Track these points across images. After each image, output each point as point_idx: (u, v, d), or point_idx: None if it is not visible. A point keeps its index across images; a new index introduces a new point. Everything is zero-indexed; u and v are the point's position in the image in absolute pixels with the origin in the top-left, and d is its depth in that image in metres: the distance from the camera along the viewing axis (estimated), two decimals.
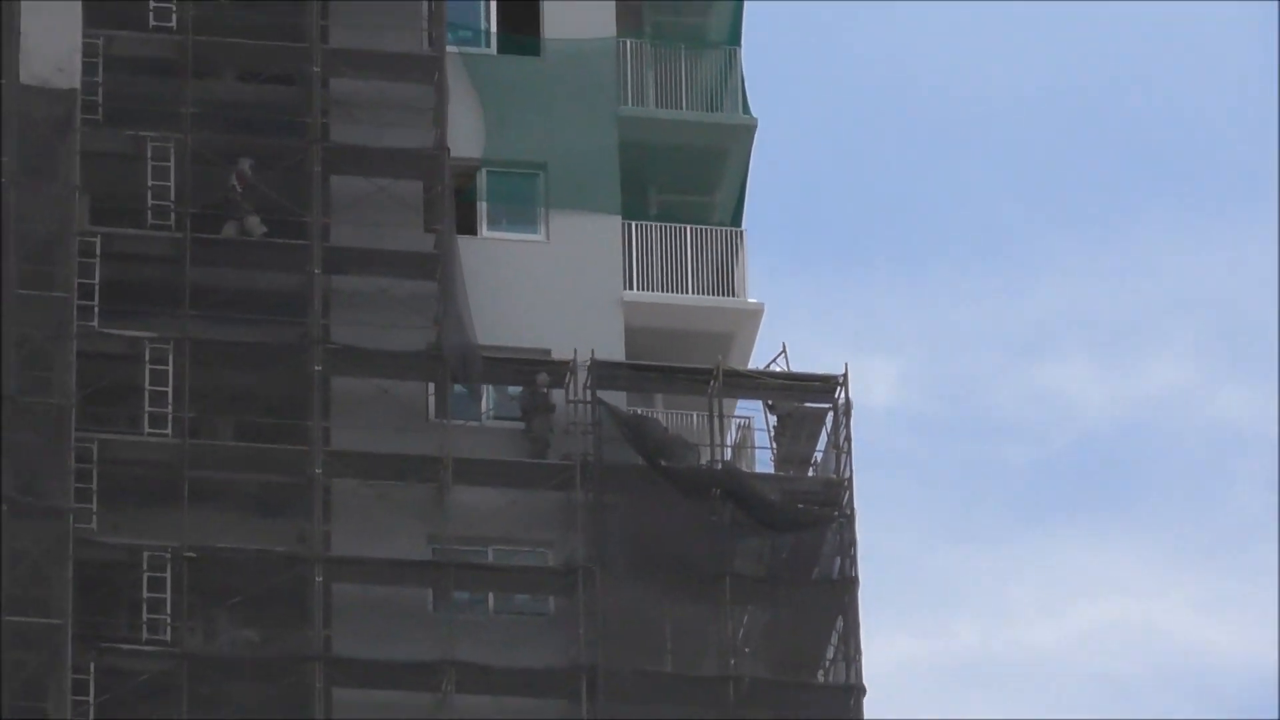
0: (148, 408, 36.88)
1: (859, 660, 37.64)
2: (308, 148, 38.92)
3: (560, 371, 38.60)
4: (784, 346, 40.98)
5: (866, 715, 37.74)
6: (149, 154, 38.11)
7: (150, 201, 38.19)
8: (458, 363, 37.86)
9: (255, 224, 40.11)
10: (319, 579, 36.25)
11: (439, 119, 39.47)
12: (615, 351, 39.31)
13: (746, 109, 42.84)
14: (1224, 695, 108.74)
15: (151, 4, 39.34)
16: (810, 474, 40.46)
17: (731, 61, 43.57)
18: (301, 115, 39.86)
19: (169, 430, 36.64)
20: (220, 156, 38.95)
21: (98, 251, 36.84)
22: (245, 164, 39.93)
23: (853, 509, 39.01)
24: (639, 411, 39.79)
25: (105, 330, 36.82)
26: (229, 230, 40.22)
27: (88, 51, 38.31)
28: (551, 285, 40.97)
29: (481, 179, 40.99)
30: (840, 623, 38.19)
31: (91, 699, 34.36)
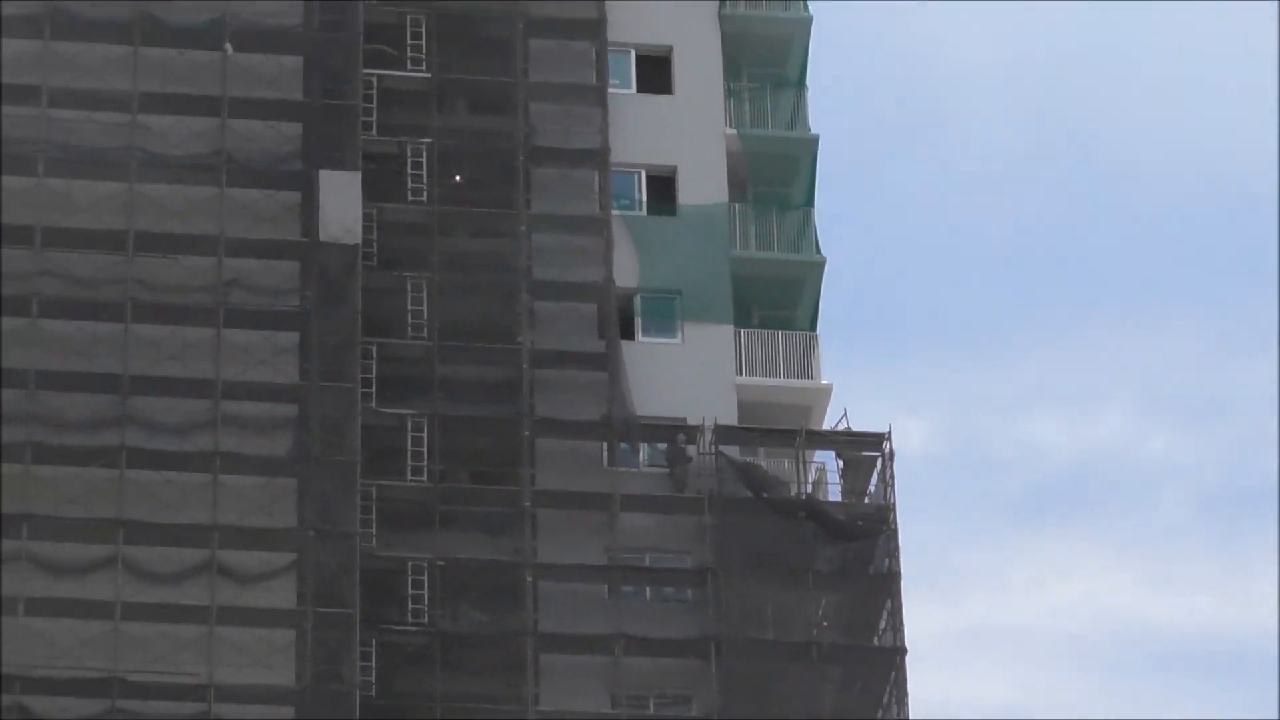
0: (409, 462, 49.44)
1: (902, 630, 48.67)
2: (517, 281, 51.59)
3: (693, 433, 49.81)
4: (845, 412, 53.44)
5: (908, 670, 49.30)
6: (408, 289, 51.64)
7: (409, 321, 51.47)
8: (623, 428, 50.52)
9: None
10: (530, 579, 47.98)
11: (607, 260, 51.93)
12: (730, 418, 50.82)
13: (818, 250, 55.72)
14: (1163, 650, 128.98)
15: (409, 184, 52.79)
16: (866, 501, 52.70)
17: (807, 218, 56.50)
18: (512, 260, 52.43)
19: (424, 478, 49.19)
20: (457, 290, 52.18)
21: (374, 355, 49.80)
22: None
23: (896, 524, 50.76)
24: (748, 460, 51.58)
25: (380, 409, 49.62)
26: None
27: (365, 218, 50.66)
28: (686, 373, 53.03)
29: (637, 301, 53.94)
30: (888, 604, 49.60)
31: (373, 665, 46.20)
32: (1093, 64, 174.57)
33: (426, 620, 47.81)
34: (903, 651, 48.79)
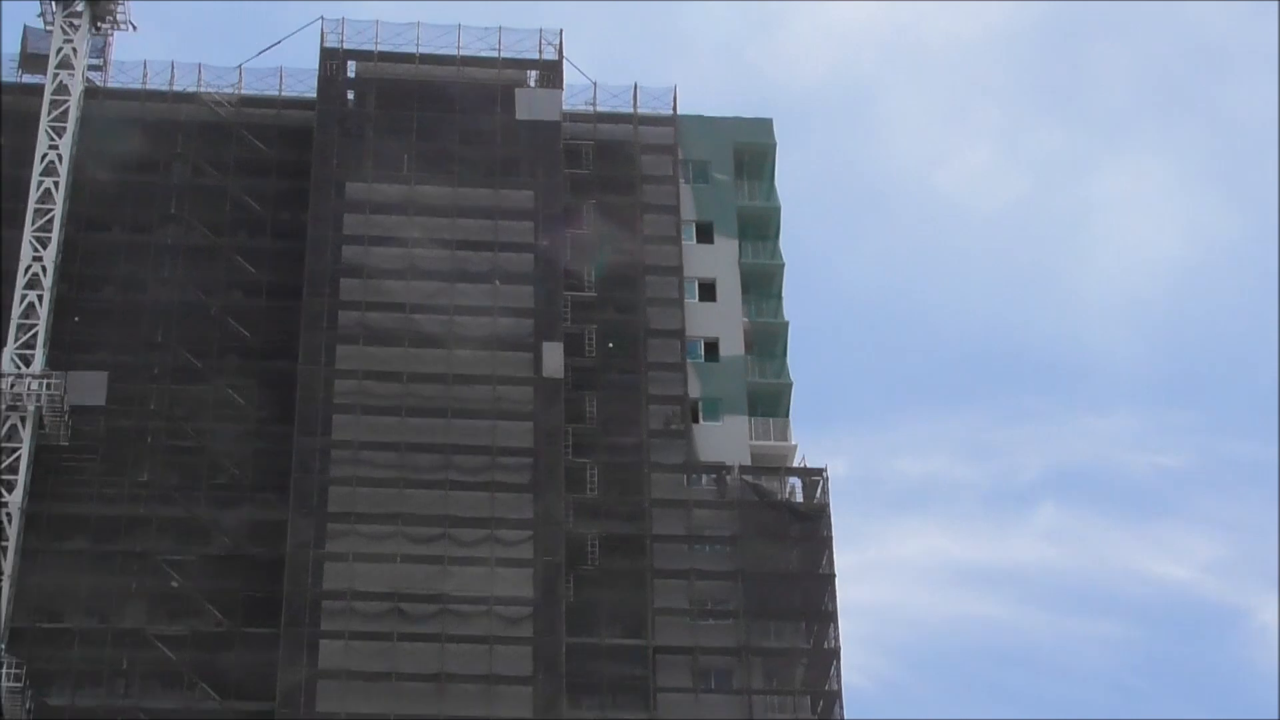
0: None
1: (832, 555, 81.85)
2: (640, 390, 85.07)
3: (730, 469, 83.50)
4: (804, 458, 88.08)
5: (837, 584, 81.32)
6: (586, 401, 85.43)
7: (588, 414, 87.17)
8: (694, 467, 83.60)
9: None
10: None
11: (684, 383, 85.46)
12: (747, 461, 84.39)
13: (789, 376, 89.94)
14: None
15: (585, 349, 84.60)
16: (815, 502, 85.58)
17: (783, 361, 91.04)
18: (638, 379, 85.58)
19: None
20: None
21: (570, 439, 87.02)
22: None
23: (830, 514, 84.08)
24: (757, 482, 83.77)
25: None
26: None
27: (565, 367, 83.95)
28: (725, 440, 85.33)
29: (700, 404, 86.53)
30: (827, 547, 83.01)
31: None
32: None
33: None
34: (832, 578, 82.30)
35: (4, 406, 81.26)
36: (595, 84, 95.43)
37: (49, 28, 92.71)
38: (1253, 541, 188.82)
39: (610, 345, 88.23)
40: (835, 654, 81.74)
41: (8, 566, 77.86)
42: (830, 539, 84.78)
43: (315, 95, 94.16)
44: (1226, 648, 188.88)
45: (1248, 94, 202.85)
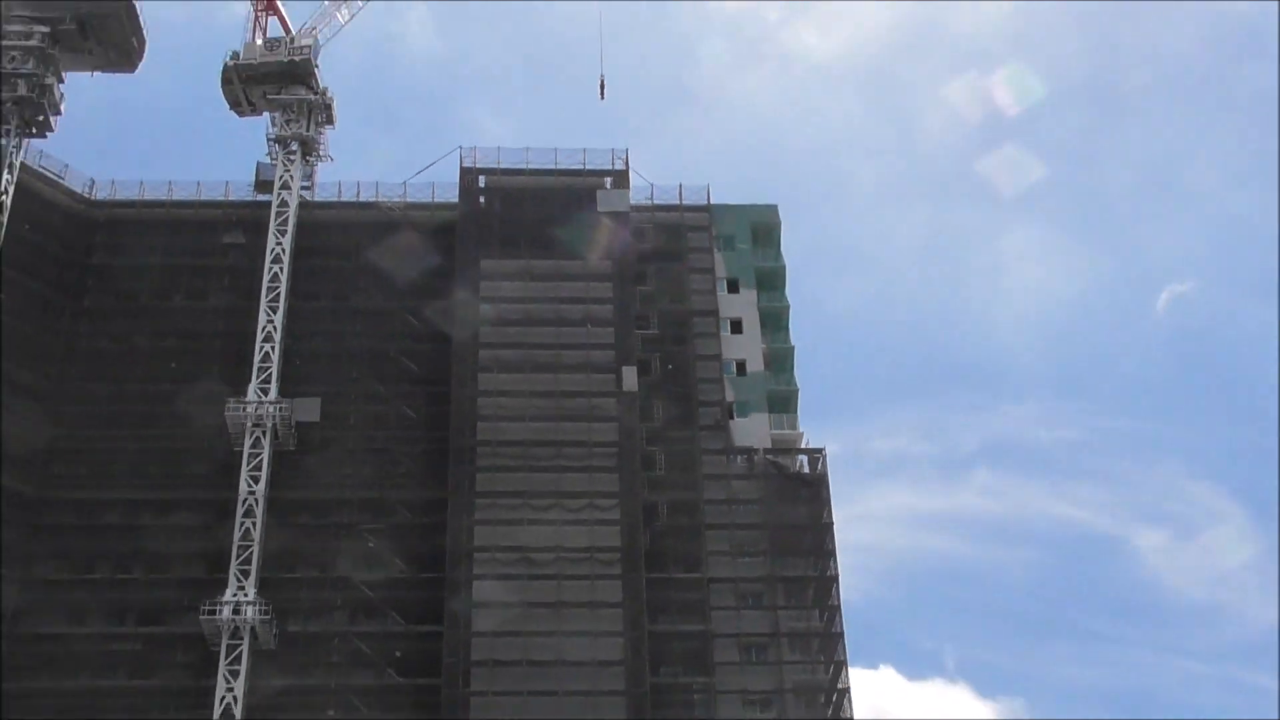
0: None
1: (832, 509, 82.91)
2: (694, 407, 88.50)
3: (758, 451, 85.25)
4: (806, 440, 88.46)
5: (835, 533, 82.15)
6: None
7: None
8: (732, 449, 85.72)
9: None
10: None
11: (723, 391, 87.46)
12: (767, 444, 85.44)
13: (796, 383, 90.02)
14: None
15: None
16: (817, 471, 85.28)
17: (792, 372, 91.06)
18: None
19: None
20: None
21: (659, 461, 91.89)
22: None
23: (829, 482, 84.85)
24: (777, 459, 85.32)
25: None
26: None
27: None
28: (754, 430, 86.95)
29: (734, 405, 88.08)
30: (827, 505, 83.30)
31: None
32: None
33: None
34: (831, 526, 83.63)
35: (251, 424, 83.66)
36: (652, 185, 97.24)
37: (273, 162, 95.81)
38: (1127, 490, 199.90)
39: (670, 367, 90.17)
40: (834, 579, 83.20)
41: (257, 535, 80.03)
42: (829, 499, 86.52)
43: (457, 199, 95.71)
44: (1110, 565, 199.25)
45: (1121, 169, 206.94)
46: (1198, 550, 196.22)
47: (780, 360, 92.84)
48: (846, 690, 79.39)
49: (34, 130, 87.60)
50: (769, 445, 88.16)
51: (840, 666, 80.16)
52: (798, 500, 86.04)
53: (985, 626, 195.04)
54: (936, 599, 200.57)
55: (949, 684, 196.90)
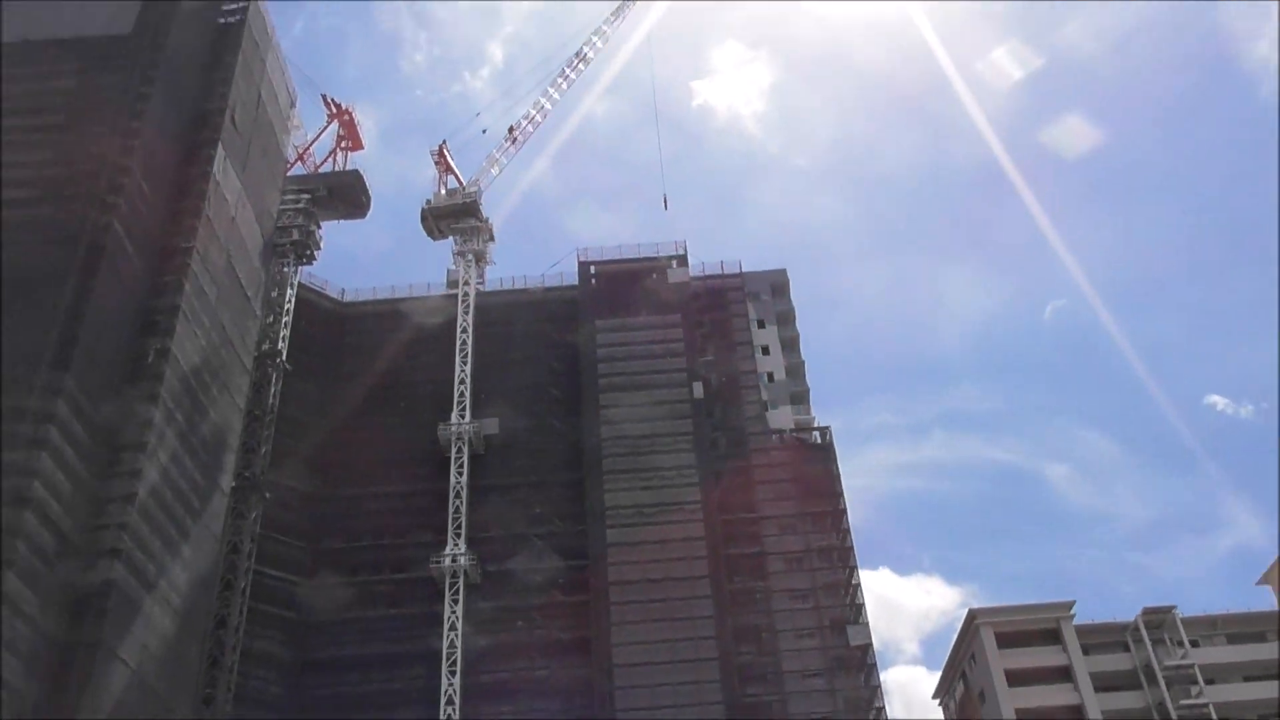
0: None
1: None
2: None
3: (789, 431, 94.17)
4: (815, 420, 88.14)
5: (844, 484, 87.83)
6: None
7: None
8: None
9: None
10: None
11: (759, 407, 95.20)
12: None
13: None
14: None
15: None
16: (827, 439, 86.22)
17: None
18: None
19: None
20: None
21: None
22: None
23: (834, 448, 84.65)
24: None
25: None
26: None
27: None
28: (783, 424, 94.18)
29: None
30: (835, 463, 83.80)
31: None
32: None
33: None
34: (839, 477, 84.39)
35: (454, 437, 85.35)
36: (704, 264, 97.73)
37: (457, 268, 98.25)
38: (1038, 440, 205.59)
39: (723, 380, 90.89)
40: (844, 512, 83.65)
41: (464, 509, 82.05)
42: (835, 458, 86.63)
43: (577, 282, 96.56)
44: (1031, 490, 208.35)
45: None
46: (1089, 475, 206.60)
47: (795, 371, 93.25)
48: (858, 585, 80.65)
49: (304, 260, 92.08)
50: (793, 426, 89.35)
51: (852, 570, 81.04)
52: (815, 461, 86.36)
53: (948, 536, 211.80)
54: (913, 520, 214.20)
55: (926, 576, 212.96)
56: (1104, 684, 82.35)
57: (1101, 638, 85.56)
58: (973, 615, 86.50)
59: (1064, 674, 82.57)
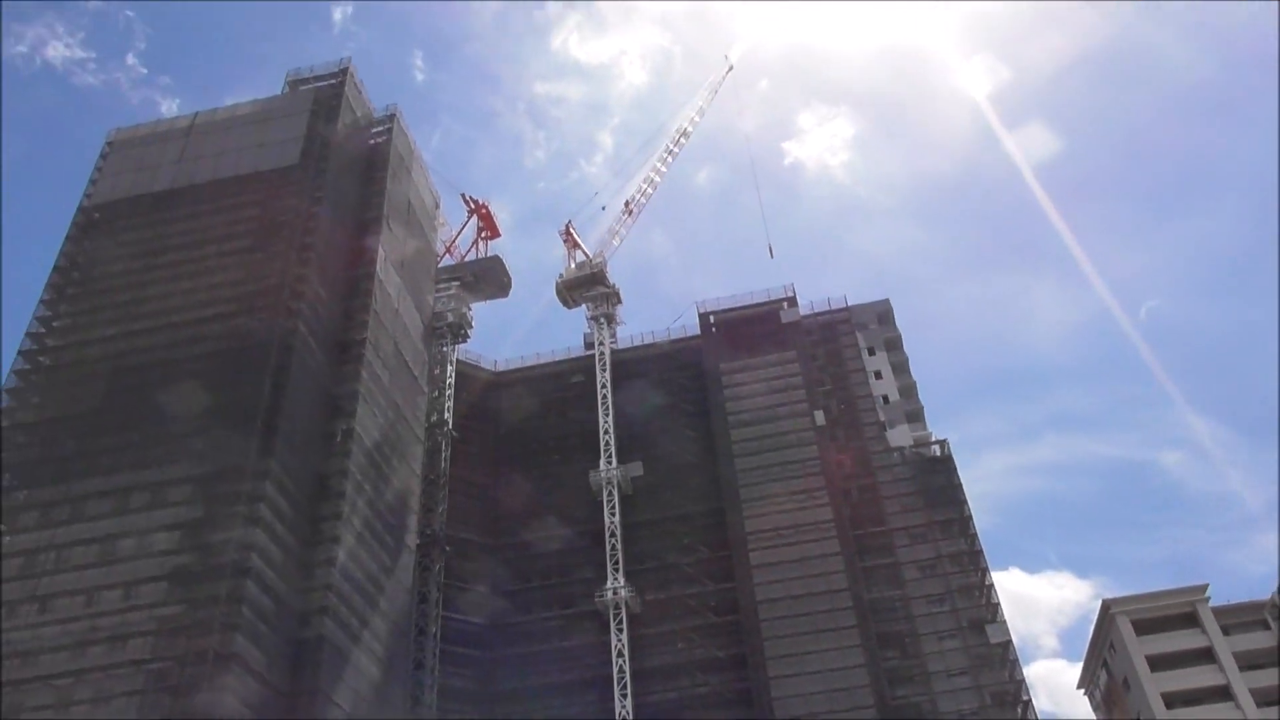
0: None
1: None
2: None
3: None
4: (932, 434, 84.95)
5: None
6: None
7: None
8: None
9: None
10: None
11: (881, 432, 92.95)
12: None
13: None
14: None
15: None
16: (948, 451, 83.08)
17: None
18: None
19: None
20: None
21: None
22: None
23: (952, 457, 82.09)
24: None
25: None
26: None
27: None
28: (903, 441, 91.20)
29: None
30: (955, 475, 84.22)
31: None
32: None
33: None
34: (960, 487, 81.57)
35: (604, 481, 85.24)
36: (812, 303, 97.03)
37: (592, 331, 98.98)
38: (1151, 433, 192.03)
39: (842, 406, 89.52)
40: (969, 518, 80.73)
41: (619, 545, 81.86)
42: (956, 469, 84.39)
43: (699, 332, 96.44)
44: (1146, 478, 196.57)
45: None
46: (1204, 460, 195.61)
47: (908, 391, 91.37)
48: (991, 585, 77.93)
49: (460, 339, 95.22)
50: (912, 443, 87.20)
51: (984, 571, 78.42)
52: (936, 473, 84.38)
53: (1073, 531, 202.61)
54: (1037, 519, 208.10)
55: (1056, 572, 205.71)
56: (1247, 663, 77.85)
57: (1239, 618, 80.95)
58: (1107, 605, 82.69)
59: (1206, 655, 78.54)
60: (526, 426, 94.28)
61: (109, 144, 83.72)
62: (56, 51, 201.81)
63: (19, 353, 68.74)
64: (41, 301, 71.73)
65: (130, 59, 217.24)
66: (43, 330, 70.37)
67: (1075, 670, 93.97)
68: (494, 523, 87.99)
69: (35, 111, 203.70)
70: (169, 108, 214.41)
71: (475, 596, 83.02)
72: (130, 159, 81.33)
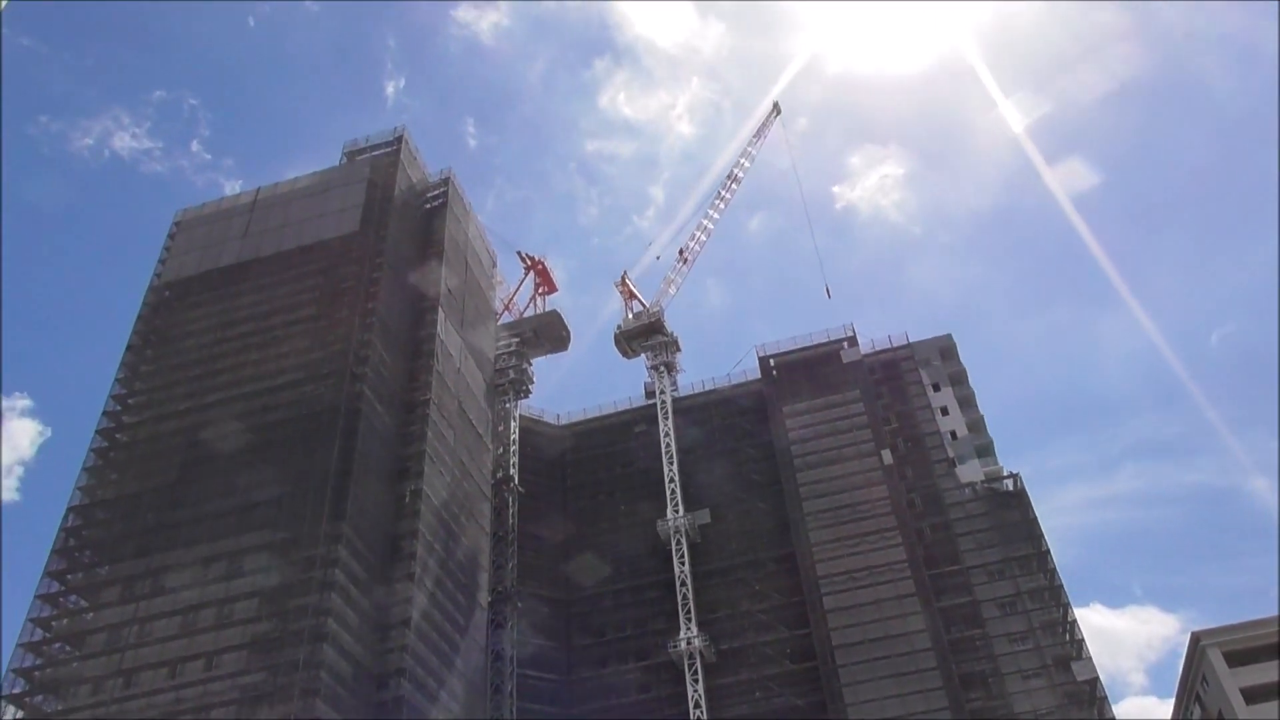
0: None
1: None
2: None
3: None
4: (1003, 469, 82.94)
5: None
6: None
7: None
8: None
9: None
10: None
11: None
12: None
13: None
14: None
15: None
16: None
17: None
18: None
19: None
20: None
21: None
22: None
23: (1025, 490, 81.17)
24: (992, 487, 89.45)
25: None
26: None
27: None
28: (972, 476, 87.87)
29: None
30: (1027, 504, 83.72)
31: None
32: None
33: None
34: (1036, 522, 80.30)
35: (672, 530, 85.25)
36: (873, 341, 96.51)
37: (652, 380, 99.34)
38: (1234, 459, 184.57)
39: (909, 444, 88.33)
40: (1047, 552, 78.66)
41: (690, 594, 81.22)
42: (1030, 503, 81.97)
43: (759, 375, 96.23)
44: (1231, 505, 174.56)
45: None
46: None
47: (976, 426, 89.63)
48: (1074, 621, 75.61)
49: (522, 394, 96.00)
50: (983, 478, 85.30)
51: (1066, 608, 76.04)
52: (1011, 508, 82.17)
53: (1156, 563, 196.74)
54: (1118, 551, 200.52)
55: (1140, 607, 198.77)
56: None
57: None
58: (1196, 638, 79.09)
59: None
60: (592, 479, 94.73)
61: (176, 224, 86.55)
62: (123, 142, 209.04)
63: (97, 431, 70.55)
64: (117, 380, 73.73)
65: (195, 145, 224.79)
66: (119, 408, 72.25)
67: (1166, 707, 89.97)
68: (564, 577, 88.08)
69: (104, 200, 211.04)
70: (232, 188, 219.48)
71: (550, 652, 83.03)
72: (197, 237, 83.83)
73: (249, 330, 73.91)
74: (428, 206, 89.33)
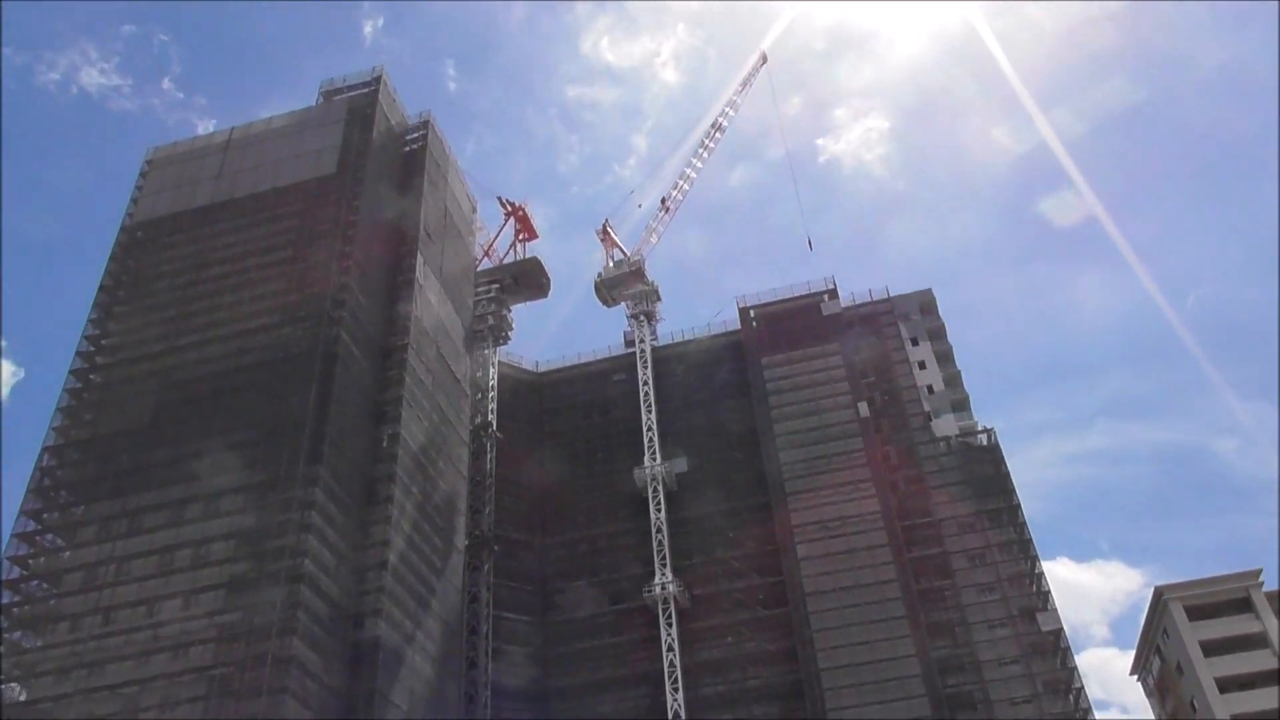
0: None
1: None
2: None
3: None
4: (978, 424, 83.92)
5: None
6: None
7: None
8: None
9: None
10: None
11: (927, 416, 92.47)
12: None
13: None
14: None
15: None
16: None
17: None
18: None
19: None
20: None
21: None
22: None
23: (999, 443, 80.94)
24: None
25: None
26: None
27: None
28: (948, 430, 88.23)
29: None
30: (1002, 465, 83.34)
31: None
32: None
33: None
34: (1009, 476, 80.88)
35: (649, 478, 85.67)
36: (853, 295, 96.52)
37: (632, 329, 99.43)
38: (1203, 419, 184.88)
39: (886, 397, 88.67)
40: (1018, 506, 79.72)
41: (666, 541, 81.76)
42: (1003, 458, 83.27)
43: (740, 326, 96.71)
44: (1200, 464, 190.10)
45: None
46: (1258, 445, 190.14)
47: (953, 381, 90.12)
48: (1041, 574, 76.81)
49: (501, 341, 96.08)
50: (957, 432, 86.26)
51: (1034, 560, 77.22)
52: (984, 462, 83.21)
53: (1123, 519, 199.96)
54: (1087, 507, 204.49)
55: (1106, 561, 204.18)
56: None
57: None
58: (1160, 592, 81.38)
59: (1260, 640, 76.55)
60: (570, 426, 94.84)
61: (148, 163, 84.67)
62: (91, 78, 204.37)
63: (70, 371, 70.01)
64: (89, 320, 72.91)
65: (166, 83, 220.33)
66: (92, 349, 71.59)
67: (1127, 658, 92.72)
68: (541, 521, 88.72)
69: (72, 138, 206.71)
70: (205, 128, 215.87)
71: (525, 595, 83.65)
72: (170, 176, 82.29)
73: (224, 272, 73.06)
74: (406, 150, 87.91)
